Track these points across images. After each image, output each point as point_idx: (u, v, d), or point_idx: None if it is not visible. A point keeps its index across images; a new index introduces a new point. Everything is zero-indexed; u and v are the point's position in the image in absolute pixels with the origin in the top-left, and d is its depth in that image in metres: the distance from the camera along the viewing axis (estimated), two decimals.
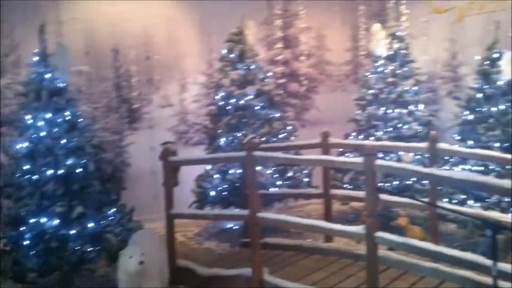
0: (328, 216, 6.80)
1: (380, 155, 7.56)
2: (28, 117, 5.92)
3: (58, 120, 5.92)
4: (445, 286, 4.95)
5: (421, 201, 5.68)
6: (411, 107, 8.29)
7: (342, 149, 8.28)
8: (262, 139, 7.56)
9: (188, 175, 7.59)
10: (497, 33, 7.41)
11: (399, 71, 8.37)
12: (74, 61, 8.38)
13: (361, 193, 5.50)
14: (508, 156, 5.58)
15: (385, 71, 8.43)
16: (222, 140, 8.10)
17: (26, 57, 7.01)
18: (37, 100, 5.90)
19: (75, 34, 9.02)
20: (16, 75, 8.44)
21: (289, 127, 8.46)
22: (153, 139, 9.25)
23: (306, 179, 8.27)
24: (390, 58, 8.46)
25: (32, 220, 5.72)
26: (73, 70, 8.41)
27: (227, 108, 8.14)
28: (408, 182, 7.72)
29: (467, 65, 9.46)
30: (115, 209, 6.17)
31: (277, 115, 8.33)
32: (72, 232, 5.69)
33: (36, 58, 6.03)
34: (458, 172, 6.59)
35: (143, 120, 9.68)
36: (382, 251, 4.51)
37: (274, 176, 7.99)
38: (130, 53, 9.55)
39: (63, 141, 5.86)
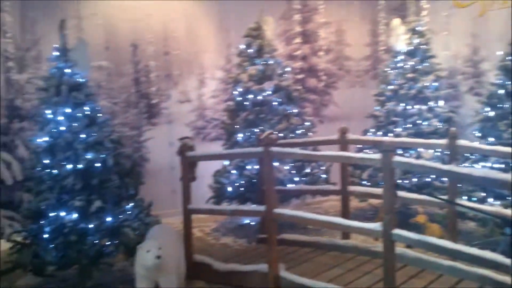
0: (345, 213, 6.78)
1: (399, 151, 7.50)
2: (48, 111, 5.97)
3: (77, 115, 5.96)
4: (463, 285, 4.90)
5: (440, 199, 5.61)
6: (431, 103, 8.18)
7: (360, 146, 8.24)
8: (280, 135, 7.55)
9: (206, 170, 7.62)
10: None
11: (419, 67, 8.25)
12: (94, 56, 8.43)
13: (379, 190, 5.46)
14: None
15: (404, 66, 8.33)
16: (240, 136, 8.11)
17: (47, 52, 7.07)
18: (57, 95, 5.95)
19: (95, 30, 9.09)
20: (37, 70, 8.54)
21: (307, 123, 8.43)
22: (171, 134, 9.30)
23: (323, 176, 8.24)
24: (410, 54, 8.36)
25: (51, 214, 5.79)
26: (93, 65, 8.47)
27: (245, 103, 8.15)
28: (427, 179, 7.64)
29: (488, 60, 9.29)
30: (133, 203, 6.22)
31: (295, 110, 8.30)
32: (91, 226, 5.75)
33: (56, 53, 6.08)
34: (478, 169, 6.51)
35: (162, 115, 9.72)
36: (400, 249, 4.47)
37: (292, 172, 7.98)
38: (149, 49, 9.59)
39: (83, 135, 5.91)
